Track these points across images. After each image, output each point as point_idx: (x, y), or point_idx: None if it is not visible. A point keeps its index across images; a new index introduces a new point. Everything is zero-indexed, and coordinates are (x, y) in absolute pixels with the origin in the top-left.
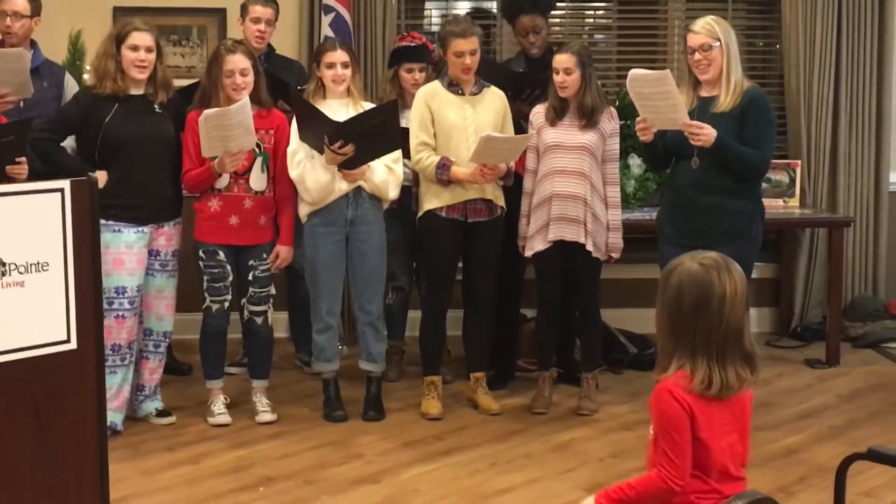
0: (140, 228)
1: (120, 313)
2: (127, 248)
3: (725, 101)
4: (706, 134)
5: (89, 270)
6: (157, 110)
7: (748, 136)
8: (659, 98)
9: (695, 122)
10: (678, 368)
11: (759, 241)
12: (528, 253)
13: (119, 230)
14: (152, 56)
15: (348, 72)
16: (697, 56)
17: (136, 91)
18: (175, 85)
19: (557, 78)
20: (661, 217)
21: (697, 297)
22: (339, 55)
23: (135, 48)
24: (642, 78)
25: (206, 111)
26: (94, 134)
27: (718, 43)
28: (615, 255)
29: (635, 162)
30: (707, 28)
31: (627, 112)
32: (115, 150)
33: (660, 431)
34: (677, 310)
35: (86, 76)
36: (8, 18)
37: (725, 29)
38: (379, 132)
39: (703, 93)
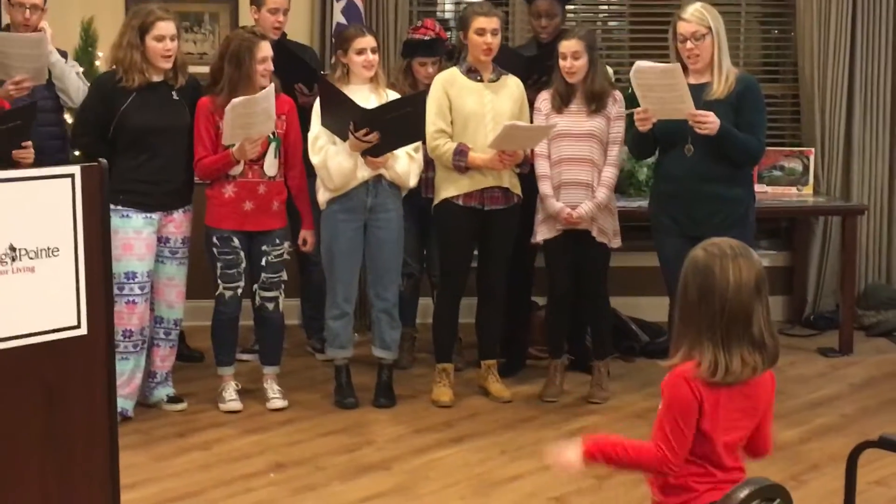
0: (148, 215)
1: (131, 299)
2: (135, 234)
3: (718, 88)
4: (711, 122)
5: (100, 256)
6: (175, 97)
7: (743, 123)
8: (665, 90)
9: (700, 112)
10: (686, 355)
11: (754, 226)
12: (540, 239)
13: (127, 215)
14: (176, 44)
15: (377, 57)
16: (689, 45)
17: (157, 77)
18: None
19: (565, 63)
20: (655, 208)
21: (700, 285)
22: (370, 41)
23: (161, 38)
24: (649, 70)
25: (235, 100)
26: (109, 119)
27: (709, 31)
28: (573, 217)
29: None
30: (698, 16)
31: (634, 102)
32: (130, 138)
33: (666, 414)
34: (684, 298)
35: (98, 63)
36: (27, 11)
37: (715, 16)
38: (406, 122)
39: (692, 80)
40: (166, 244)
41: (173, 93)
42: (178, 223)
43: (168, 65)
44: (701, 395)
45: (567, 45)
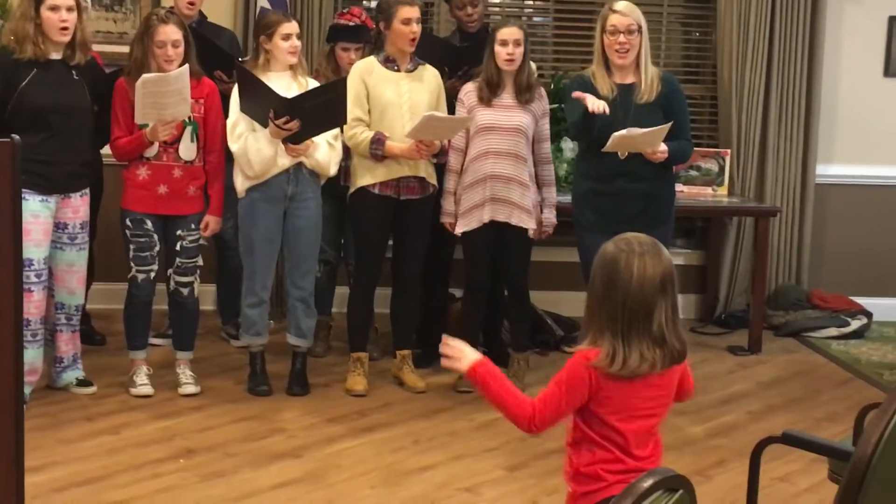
0: (45, 198)
1: (26, 286)
2: (33, 218)
3: (646, 90)
4: (664, 151)
5: (10, 237)
6: (75, 76)
7: (674, 125)
8: (640, 144)
9: (658, 150)
10: (591, 344)
11: (673, 224)
12: (459, 231)
13: (24, 198)
14: (73, 16)
15: (300, 43)
16: (622, 38)
17: (56, 55)
18: (107, 51)
19: (506, 49)
20: (581, 205)
21: (605, 278)
22: (295, 26)
23: (55, 8)
24: (630, 138)
25: (146, 75)
26: (7, 97)
27: (639, 29)
28: (548, 231)
29: (568, 146)
30: (631, 10)
31: (559, 97)
32: (29, 117)
33: (557, 382)
34: (591, 289)
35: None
36: None
37: (641, 14)
38: (326, 109)
39: (617, 79)
40: (64, 230)
41: (73, 72)
42: (75, 208)
43: (64, 38)
44: (597, 383)
45: (510, 32)
